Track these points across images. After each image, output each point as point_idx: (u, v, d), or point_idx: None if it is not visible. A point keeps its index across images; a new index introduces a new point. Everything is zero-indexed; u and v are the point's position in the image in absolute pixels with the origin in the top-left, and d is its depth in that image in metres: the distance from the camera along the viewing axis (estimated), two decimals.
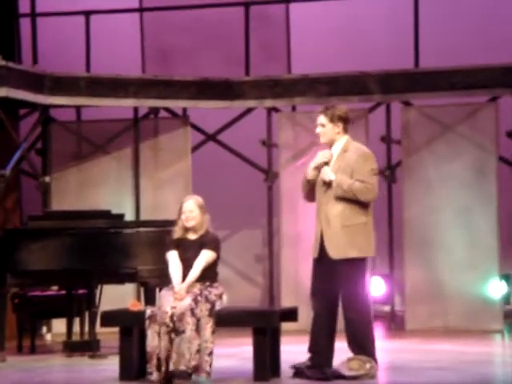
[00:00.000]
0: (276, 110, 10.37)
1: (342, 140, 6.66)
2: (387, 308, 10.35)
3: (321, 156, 6.65)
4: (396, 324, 9.95)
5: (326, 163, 6.61)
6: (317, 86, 10.09)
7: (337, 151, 6.65)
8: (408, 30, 10.04)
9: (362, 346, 6.46)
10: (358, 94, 9.99)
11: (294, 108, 10.49)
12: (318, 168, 6.60)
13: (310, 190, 6.65)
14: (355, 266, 6.48)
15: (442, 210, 9.92)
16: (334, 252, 6.49)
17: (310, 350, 6.57)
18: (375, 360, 6.48)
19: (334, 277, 6.51)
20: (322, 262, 6.54)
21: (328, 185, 6.55)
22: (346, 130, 6.69)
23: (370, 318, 6.54)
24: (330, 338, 6.55)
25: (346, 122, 6.68)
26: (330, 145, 6.68)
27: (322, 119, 6.67)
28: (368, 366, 6.40)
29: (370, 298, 6.55)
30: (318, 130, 6.68)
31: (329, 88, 10.06)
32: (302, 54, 10.43)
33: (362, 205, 6.56)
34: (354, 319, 6.46)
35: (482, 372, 6.80)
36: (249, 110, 10.38)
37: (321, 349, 6.52)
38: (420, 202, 9.97)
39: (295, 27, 10.50)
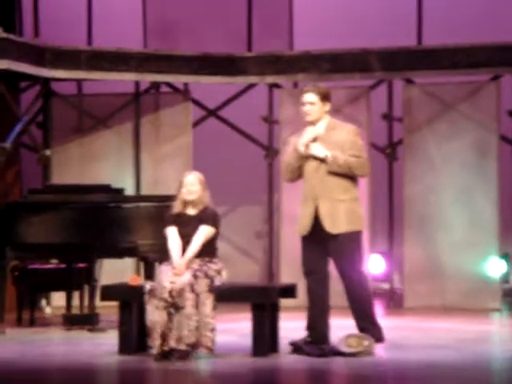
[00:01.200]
0: (278, 86, 10.34)
1: (326, 118, 6.68)
2: (386, 286, 10.37)
3: (310, 132, 6.63)
4: (395, 302, 9.97)
5: (314, 140, 6.60)
6: (319, 62, 10.06)
7: (322, 129, 6.65)
8: (411, 8, 10.00)
9: (366, 315, 6.58)
10: (360, 71, 9.97)
11: (295, 84, 10.47)
12: (307, 145, 6.59)
13: (298, 168, 6.63)
14: (354, 239, 6.54)
15: (442, 189, 9.92)
16: (332, 227, 6.50)
17: (308, 327, 6.60)
18: (380, 330, 6.58)
19: (327, 252, 6.54)
20: (314, 238, 6.56)
21: (320, 160, 6.54)
22: (330, 110, 6.71)
23: (369, 289, 6.72)
24: (325, 314, 6.63)
25: (330, 101, 6.73)
26: (314, 123, 6.66)
27: (311, 97, 6.65)
28: (366, 342, 6.43)
29: (367, 271, 6.62)
30: (307, 108, 6.64)
31: (331, 65, 10.03)
32: (305, 30, 10.39)
33: (352, 179, 6.62)
34: (356, 291, 6.56)
35: (480, 350, 6.83)
36: (250, 86, 10.35)
37: (317, 325, 6.56)
38: (421, 180, 9.97)
39: (298, 3, 10.46)
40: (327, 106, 6.68)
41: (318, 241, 6.56)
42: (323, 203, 6.53)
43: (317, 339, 6.51)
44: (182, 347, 6.31)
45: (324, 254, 6.58)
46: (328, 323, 6.62)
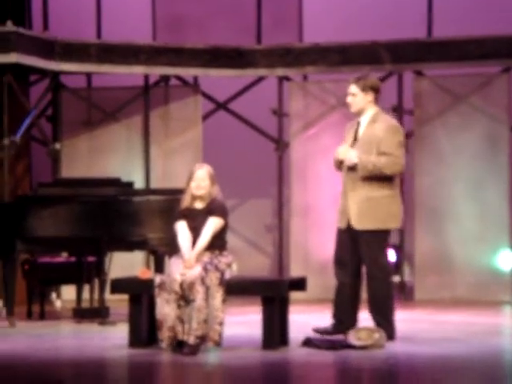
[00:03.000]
0: (287, 78, 10.32)
1: (371, 110, 6.72)
2: (396, 278, 10.35)
3: (342, 153, 6.67)
4: (405, 294, 9.95)
5: (341, 162, 6.67)
6: (328, 54, 10.03)
7: (365, 121, 6.72)
8: None
9: (383, 314, 6.61)
10: (370, 64, 9.93)
11: (305, 77, 10.44)
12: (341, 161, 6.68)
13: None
14: (377, 237, 6.58)
15: (453, 181, 9.89)
16: (357, 223, 6.58)
17: (334, 317, 6.69)
18: (393, 328, 6.59)
19: (357, 247, 6.62)
20: (347, 231, 6.65)
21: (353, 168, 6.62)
22: (376, 101, 6.74)
23: (391, 289, 6.73)
24: (354, 307, 6.71)
25: (377, 92, 6.75)
26: (359, 114, 6.74)
27: (353, 88, 6.73)
28: (377, 335, 6.42)
29: (391, 269, 6.65)
30: (349, 99, 6.75)
31: (340, 57, 10.00)
32: (314, 22, 10.36)
33: (387, 177, 6.62)
34: (375, 288, 6.61)
35: (490, 343, 6.81)
36: (260, 79, 10.33)
37: (344, 317, 6.66)
38: (431, 172, 9.94)
39: None
40: (370, 97, 6.69)
41: (350, 234, 6.66)
42: (353, 199, 6.62)
43: (340, 330, 6.60)
44: (192, 340, 6.30)
45: (355, 247, 6.66)
46: (355, 316, 6.72)
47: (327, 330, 6.68)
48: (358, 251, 6.65)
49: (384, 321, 6.62)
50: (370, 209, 6.59)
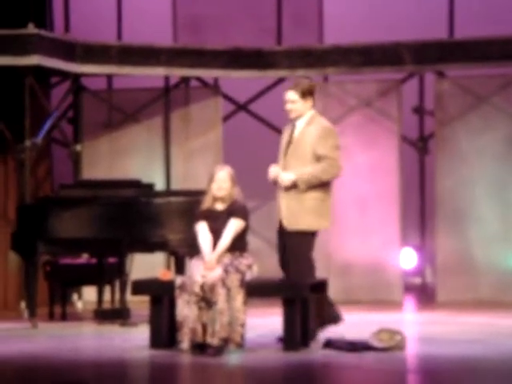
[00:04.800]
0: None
1: (308, 114, 6.71)
2: (418, 280, 10.31)
3: (273, 172, 6.69)
4: (427, 296, 9.91)
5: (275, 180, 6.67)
6: (349, 56, 10.00)
7: (301, 124, 6.70)
8: None
9: None
10: (391, 65, 9.90)
11: (326, 78, 10.42)
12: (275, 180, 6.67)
13: None
14: (304, 238, 6.60)
15: (474, 182, 9.84)
16: (287, 224, 6.60)
17: None
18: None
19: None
20: (280, 233, 6.68)
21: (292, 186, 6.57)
22: (313, 104, 6.72)
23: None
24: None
25: (313, 96, 6.74)
26: (297, 119, 6.70)
27: (292, 95, 6.68)
28: (398, 337, 6.39)
29: (312, 273, 6.64)
30: (289, 106, 6.69)
31: (361, 58, 9.97)
32: (335, 23, 10.34)
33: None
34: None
35: None
36: (280, 80, 10.32)
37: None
38: (453, 173, 9.89)
39: None
40: (309, 102, 6.69)
41: (282, 236, 6.71)
42: (284, 200, 6.64)
43: None
44: (215, 342, 6.30)
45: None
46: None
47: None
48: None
49: None
50: (300, 210, 6.57)
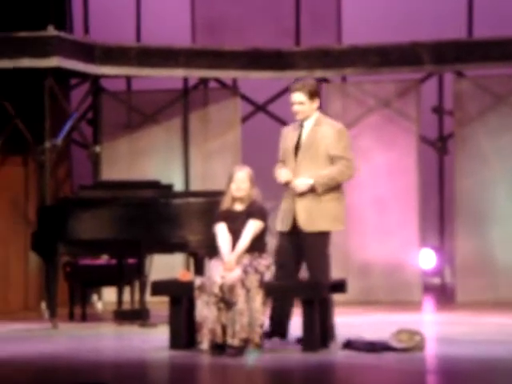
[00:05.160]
0: (326, 80, 10.30)
1: (315, 115, 6.67)
2: (437, 280, 10.29)
3: (284, 175, 6.62)
4: (446, 296, 9.89)
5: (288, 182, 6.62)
6: (367, 56, 9.99)
7: (309, 125, 6.65)
8: None
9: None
10: (410, 65, 9.88)
11: (344, 79, 10.41)
12: (290, 184, 6.62)
13: None
14: (323, 238, 6.58)
15: (494, 182, 9.80)
16: (306, 225, 6.55)
17: (271, 319, 6.67)
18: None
19: (298, 249, 6.60)
20: (289, 234, 6.61)
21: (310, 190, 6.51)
22: (319, 105, 6.71)
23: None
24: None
25: (319, 96, 6.72)
26: (304, 121, 6.66)
27: (300, 97, 6.62)
28: (417, 338, 6.38)
29: (330, 273, 6.62)
30: (296, 107, 6.63)
31: (380, 59, 9.96)
32: (353, 23, 10.33)
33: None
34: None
35: None
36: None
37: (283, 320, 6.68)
38: (472, 173, 9.86)
39: None
40: (316, 103, 6.65)
41: (291, 238, 6.67)
42: (299, 203, 6.60)
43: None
44: (236, 343, 6.32)
45: (295, 251, 6.69)
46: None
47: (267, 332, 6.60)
48: (299, 253, 6.59)
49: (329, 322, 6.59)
50: (318, 211, 6.54)
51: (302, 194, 6.59)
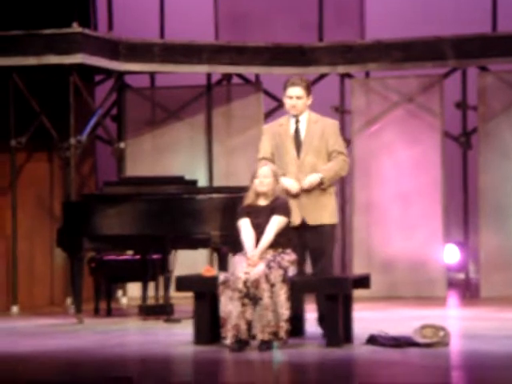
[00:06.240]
0: (349, 75, 10.29)
1: (307, 111, 6.72)
2: (462, 275, 10.27)
3: (292, 187, 6.66)
4: (471, 292, 9.86)
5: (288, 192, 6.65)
6: (390, 51, 9.97)
7: (305, 122, 6.69)
8: None
9: None
10: (433, 60, 9.85)
11: (367, 74, 10.40)
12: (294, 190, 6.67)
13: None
14: (331, 231, 6.68)
15: None
16: (313, 219, 6.62)
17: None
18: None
19: (304, 241, 6.69)
20: (297, 228, 6.67)
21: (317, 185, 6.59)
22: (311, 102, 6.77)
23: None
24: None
25: (311, 94, 6.76)
26: (298, 116, 6.68)
27: (300, 91, 6.66)
28: (442, 333, 6.37)
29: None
30: (294, 101, 6.65)
31: (403, 53, 9.94)
32: (376, 18, 10.31)
33: None
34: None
35: None
36: (322, 76, 10.32)
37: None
38: (496, 169, 9.82)
39: None
40: (310, 100, 6.72)
41: (298, 232, 6.74)
42: (305, 197, 6.67)
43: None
44: (265, 337, 6.35)
45: (301, 244, 6.77)
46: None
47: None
48: (305, 248, 6.67)
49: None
50: (322, 205, 6.62)
51: (308, 189, 6.64)
